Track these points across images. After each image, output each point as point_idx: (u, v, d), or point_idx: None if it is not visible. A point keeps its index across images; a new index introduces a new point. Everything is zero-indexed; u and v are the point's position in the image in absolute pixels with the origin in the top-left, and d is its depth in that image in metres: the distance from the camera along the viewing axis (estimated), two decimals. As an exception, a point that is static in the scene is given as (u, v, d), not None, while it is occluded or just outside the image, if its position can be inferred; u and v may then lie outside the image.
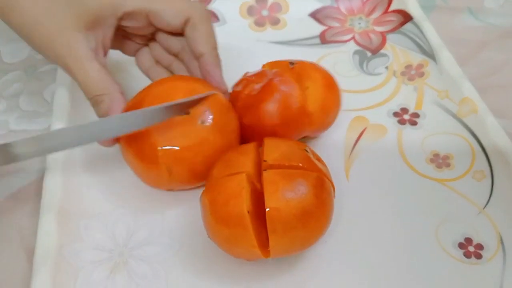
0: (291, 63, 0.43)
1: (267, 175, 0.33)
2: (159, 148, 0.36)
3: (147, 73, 0.45)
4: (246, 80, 0.42)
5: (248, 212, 0.32)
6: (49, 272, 0.34)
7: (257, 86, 0.40)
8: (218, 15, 0.56)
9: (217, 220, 0.33)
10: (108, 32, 0.41)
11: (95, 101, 0.38)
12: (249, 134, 0.41)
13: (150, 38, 0.45)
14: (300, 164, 0.34)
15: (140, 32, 0.43)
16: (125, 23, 0.41)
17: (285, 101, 0.39)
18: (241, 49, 0.54)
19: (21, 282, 0.36)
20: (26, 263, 0.37)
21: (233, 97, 0.42)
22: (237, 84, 0.43)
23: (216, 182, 0.34)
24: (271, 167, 0.34)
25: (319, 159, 0.36)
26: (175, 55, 0.45)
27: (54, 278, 0.34)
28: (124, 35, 0.44)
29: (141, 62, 0.45)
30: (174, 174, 0.37)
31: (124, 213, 0.39)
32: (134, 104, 0.38)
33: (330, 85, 0.42)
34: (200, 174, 0.38)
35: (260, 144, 0.37)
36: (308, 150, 0.36)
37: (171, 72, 0.45)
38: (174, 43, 0.44)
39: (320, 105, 0.41)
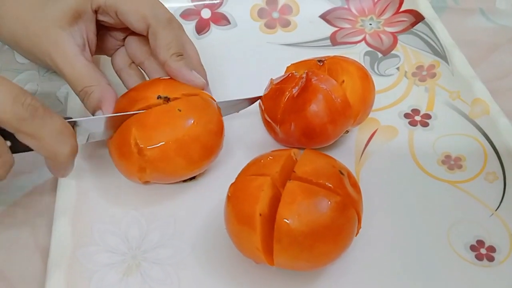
0: (320, 60, 0.43)
1: (289, 185, 0.33)
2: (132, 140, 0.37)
3: (119, 74, 0.46)
4: (277, 87, 0.42)
5: (260, 215, 0.32)
6: (63, 274, 0.35)
7: (295, 90, 0.41)
8: (229, 18, 0.57)
9: (233, 214, 0.34)
10: (90, 26, 0.42)
11: (85, 93, 0.39)
12: (297, 137, 0.41)
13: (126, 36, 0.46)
14: (328, 184, 0.33)
15: (117, 27, 0.44)
16: (100, 17, 0.42)
17: (329, 98, 0.40)
18: (252, 51, 0.54)
19: (36, 282, 0.36)
20: (41, 263, 0.37)
21: (270, 107, 0.42)
22: (268, 93, 0.43)
23: (244, 178, 0.35)
24: (298, 179, 0.33)
25: (354, 185, 0.35)
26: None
27: (68, 281, 0.35)
28: (103, 34, 0.45)
29: (116, 62, 0.46)
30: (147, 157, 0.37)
31: (137, 216, 0.40)
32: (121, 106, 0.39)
33: (364, 75, 0.42)
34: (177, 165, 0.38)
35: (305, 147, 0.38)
36: (344, 173, 0.35)
37: (143, 71, 0.46)
38: (144, 45, 0.45)
39: (359, 97, 0.41)
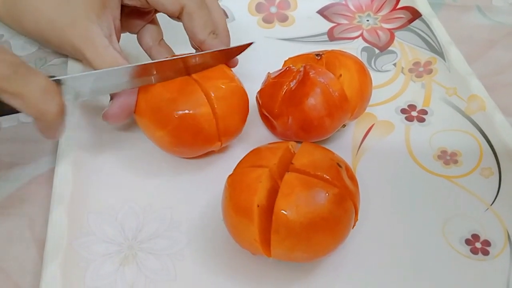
0: (318, 54, 0.43)
1: (287, 177, 0.33)
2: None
3: (149, 52, 0.46)
4: (274, 81, 0.42)
5: (258, 206, 0.32)
6: (59, 264, 0.35)
7: (292, 84, 0.41)
8: (227, 12, 0.57)
9: (230, 205, 0.34)
10: (116, 13, 0.42)
11: None
12: (294, 130, 0.41)
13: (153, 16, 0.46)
14: (325, 176, 0.33)
15: (143, 9, 0.44)
16: (126, 1, 0.42)
17: (326, 91, 0.40)
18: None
19: (32, 274, 0.36)
20: (37, 254, 0.37)
21: (267, 101, 0.42)
22: (266, 87, 0.43)
23: (242, 169, 0.35)
24: (296, 171, 0.34)
25: (352, 178, 0.36)
26: None
27: (64, 271, 0.35)
28: (128, 15, 0.44)
29: (144, 40, 0.46)
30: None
31: (134, 207, 0.40)
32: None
33: (362, 70, 0.43)
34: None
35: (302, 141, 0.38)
36: (342, 166, 0.35)
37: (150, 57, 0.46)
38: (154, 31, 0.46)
39: (356, 90, 0.41)
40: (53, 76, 0.35)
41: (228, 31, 0.45)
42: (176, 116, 0.38)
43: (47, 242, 0.36)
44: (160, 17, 0.46)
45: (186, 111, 0.38)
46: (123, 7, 0.43)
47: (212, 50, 0.41)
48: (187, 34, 0.43)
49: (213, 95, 0.38)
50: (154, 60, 0.44)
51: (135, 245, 0.38)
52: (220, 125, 0.39)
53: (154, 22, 0.46)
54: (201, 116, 0.38)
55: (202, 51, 0.42)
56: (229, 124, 0.40)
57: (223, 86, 0.39)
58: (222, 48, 0.42)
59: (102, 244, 0.38)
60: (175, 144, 0.40)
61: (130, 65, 0.38)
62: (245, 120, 0.42)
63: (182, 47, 0.44)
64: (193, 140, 0.39)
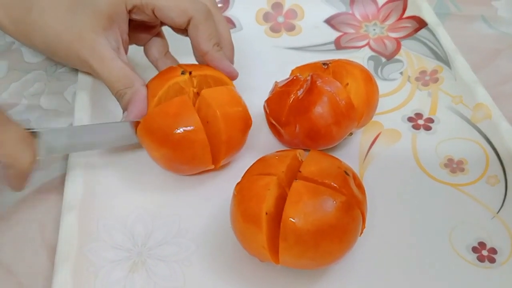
0: (324, 63, 0.44)
1: (295, 184, 0.33)
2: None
3: (155, 64, 0.47)
4: (282, 90, 0.43)
5: (266, 213, 0.32)
6: (70, 270, 0.35)
7: (300, 92, 0.41)
8: (235, 21, 0.57)
9: (239, 212, 0.34)
10: (123, 27, 0.43)
11: (119, 95, 0.41)
12: (302, 138, 0.42)
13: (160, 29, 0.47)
14: (333, 184, 0.34)
15: (150, 23, 0.45)
16: (134, 16, 0.43)
17: (333, 100, 0.40)
18: (257, 55, 0.55)
19: (43, 279, 0.37)
20: (47, 259, 0.38)
21: (274, 110, 0.43)
22: (273, 96, 0.44)
23: (250, 177, 0.35)
24: (304, 179, 0.34)
25: (359, 186, 0.36)
26: None
27: (74, 276, 0.35)
28: (135, 28, 0.45)
29: (151, 53, 0.47)
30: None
31: (142, 214, 0.40)
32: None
33: (368, 78, 0.43)
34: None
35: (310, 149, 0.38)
36: (349, 174, 0.35)
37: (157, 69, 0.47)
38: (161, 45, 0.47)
39: (363, 99, 0.42)
40: (29, 128, 0.36)
41: (232, 44, 0.46)
42: (171, 139, 0.38)
43: (58, 248, 0.36)
44: (166, 29, 0.47)
45: (181, 134, 0.38)
46: (131, 21, 0.44)
47: None
48: (192, 45, 0.43)
49: (219, 114, 0.39)
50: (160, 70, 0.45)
51: (144, 251, 0.38)
52: (222, 147, 0.40)
53: (160, 35, 0.47)
54: (195, 142, 0.38)
55: (205, 62, 0.43)
56: (233, 144, 0.41)
57: (230, 109, 0.40)
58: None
59: (112, 250, 0.38)
60: (171, 164, 0.41)
61: (108, 123, 0.40)
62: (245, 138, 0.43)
63: (187, 59, 0.45)
64: (188, 164, 0.40)
